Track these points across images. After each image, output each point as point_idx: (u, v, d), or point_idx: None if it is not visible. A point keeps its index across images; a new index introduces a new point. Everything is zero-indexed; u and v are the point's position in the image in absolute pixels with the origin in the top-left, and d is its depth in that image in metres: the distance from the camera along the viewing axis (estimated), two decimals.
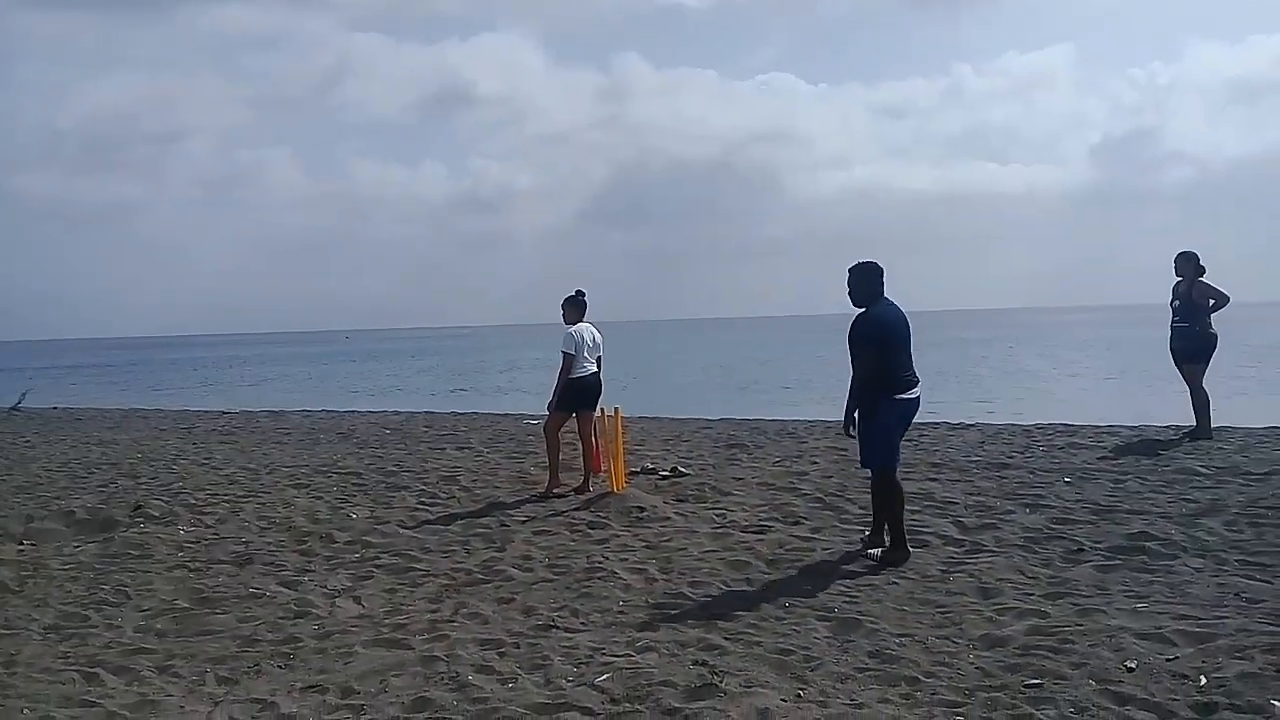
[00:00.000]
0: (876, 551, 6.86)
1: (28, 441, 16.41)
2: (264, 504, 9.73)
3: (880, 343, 6.65)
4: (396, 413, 20.51)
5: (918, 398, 6.84)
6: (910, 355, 6.81)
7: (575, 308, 9.72)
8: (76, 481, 11.55)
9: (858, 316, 6.79)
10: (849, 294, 6.87)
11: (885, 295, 6.85)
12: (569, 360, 9.51)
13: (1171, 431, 11.96)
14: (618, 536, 7.85)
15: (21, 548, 8.22)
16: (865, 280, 6.83)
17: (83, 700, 4.90)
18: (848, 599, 5.93)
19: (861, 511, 8.29)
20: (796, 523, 8.04)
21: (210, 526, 8.84)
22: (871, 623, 5.46)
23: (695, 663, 4.93)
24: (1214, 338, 11.38)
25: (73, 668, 5.35)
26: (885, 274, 6.86)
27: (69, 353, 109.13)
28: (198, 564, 7.55)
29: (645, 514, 8.51)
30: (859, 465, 7.27)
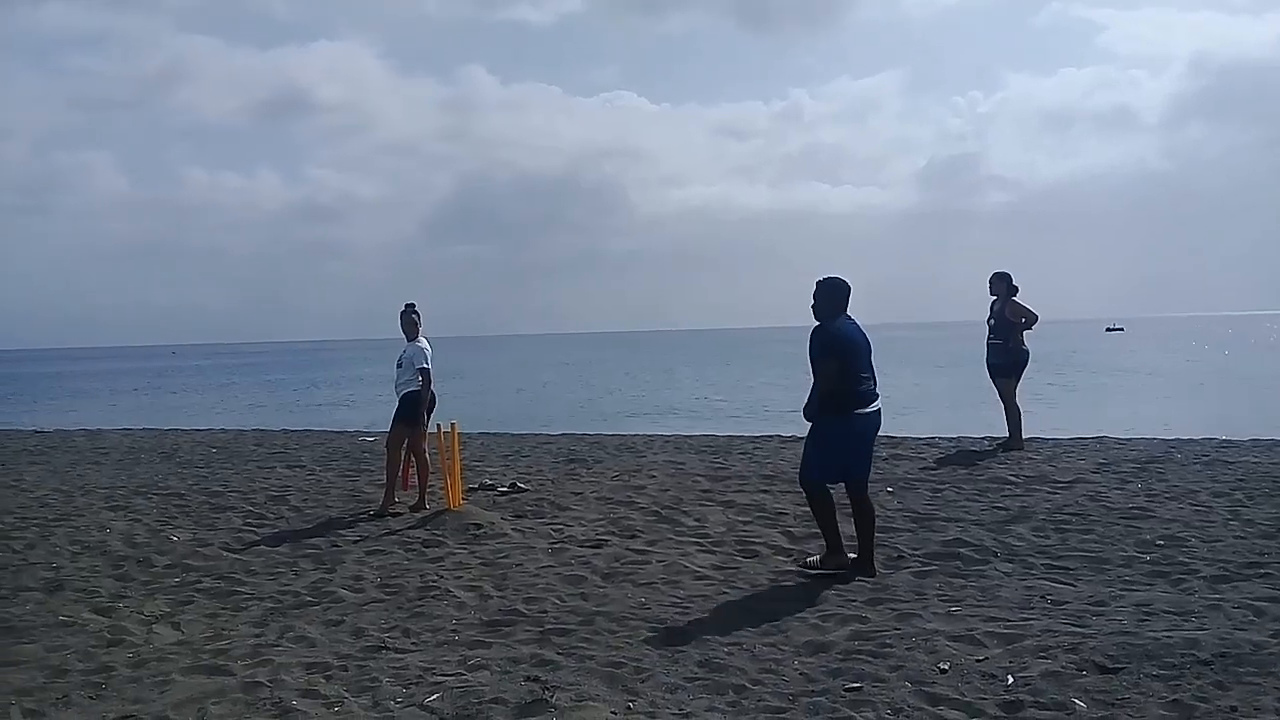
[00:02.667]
0: (816, 558, 6.91)
1: None
2: (78, 527, 9.23)
3: (837, 356, 6.63)
4: (224, 430, 19.77)
5: (878, 410, 6.79)
6: (870, 370, 6.80)
7: (416, 319, 9.62)
8: None
9: (814, 330, 6.74)
10: (813, 307, 6.81)
11: (847, 313, 6.80)
12: (429, 375, 9.45)
13: (986, 443, 12.61)
14: (453, 554, 7.77)
15: None
16: (830, 296, 6.78)
17: None
18: (680, 610, 6.02)
19: (696, 524, 8.45)
20: (633, 536, 8.13)
21: (18, 552, 8.32)
22: (702, 633, 5.56)
23: (527, 679, 4.92)
24: (1026, 354, 12.07)
25: None
26: (851, 291, 6.82)
27: None
28: (3, 592, 7.09)
29: (482, 531, 8.45)
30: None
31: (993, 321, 12.05)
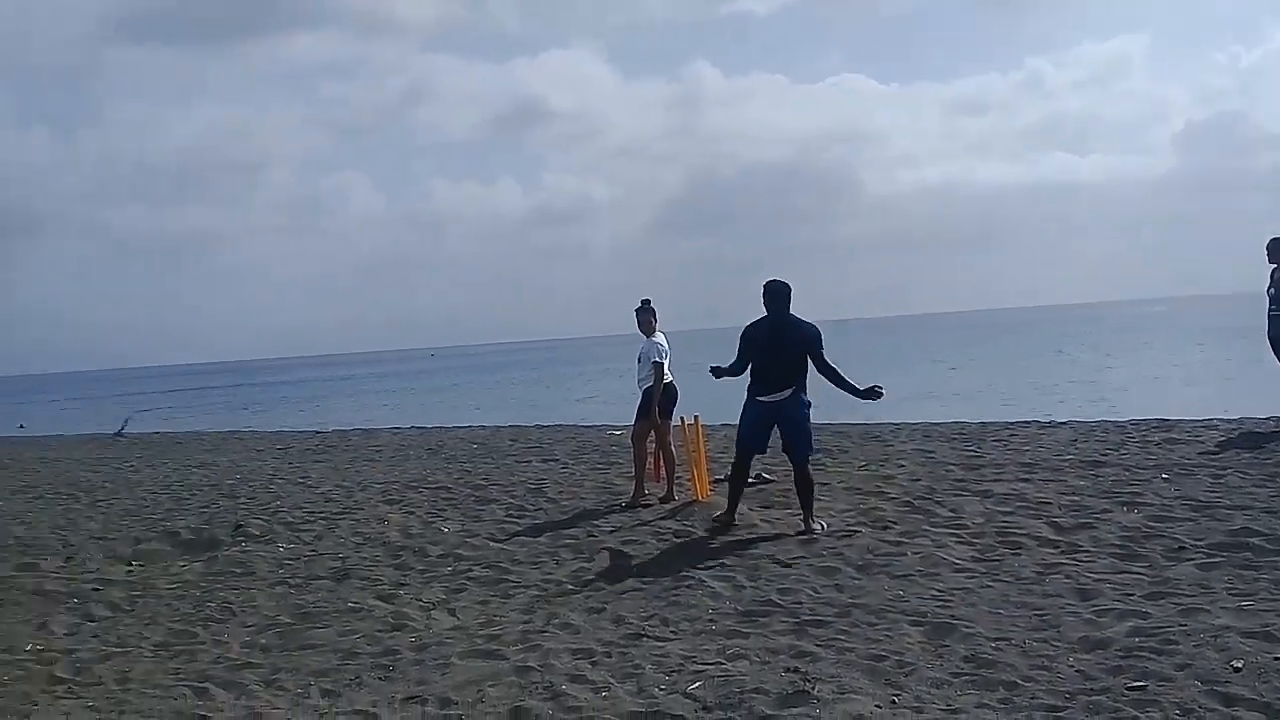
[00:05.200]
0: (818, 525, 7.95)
1: (132, 466, 17.01)
2: (359, 520, 9.93)
3: (750, 339, 8.02)
4: (483, 427, 20.76)
5: (775, 403, 7.94)
6: (775, 364, 7.88)
7: (652, 316, 9.81)
8: (180, 503, 11.92)
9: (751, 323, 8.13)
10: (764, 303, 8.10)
11: (776, 309, 7.96)
12: (661, 369, 9.60)
13: (1272, 423, 11.56)
14: (704, 544, 7.86)
15: (131, 568, 8.54)
16: (765, 295, 8.05)
17: (194, 715, 5.09)
18: (941, 603, 5.86)
19: (951, 514, 8.18)
20: (885, 527, 7.95)
21: (308, 543, 9.05)
22: (966, 627, 5.39)
23: (787, 670, 4.93)
24: None
25: (183, 683, 5.56)
26: (782, 292, 7.98)
27: (166, 379, 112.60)
28: (298, 580, 7.76)
29: (731, 521, 8.50)
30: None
31: (1273, 291, 11.04)
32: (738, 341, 8.12)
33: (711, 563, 7.25)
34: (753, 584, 6.61)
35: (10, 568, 8.73)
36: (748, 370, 8.11)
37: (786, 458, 8.41)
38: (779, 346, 7.93)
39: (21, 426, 35.26)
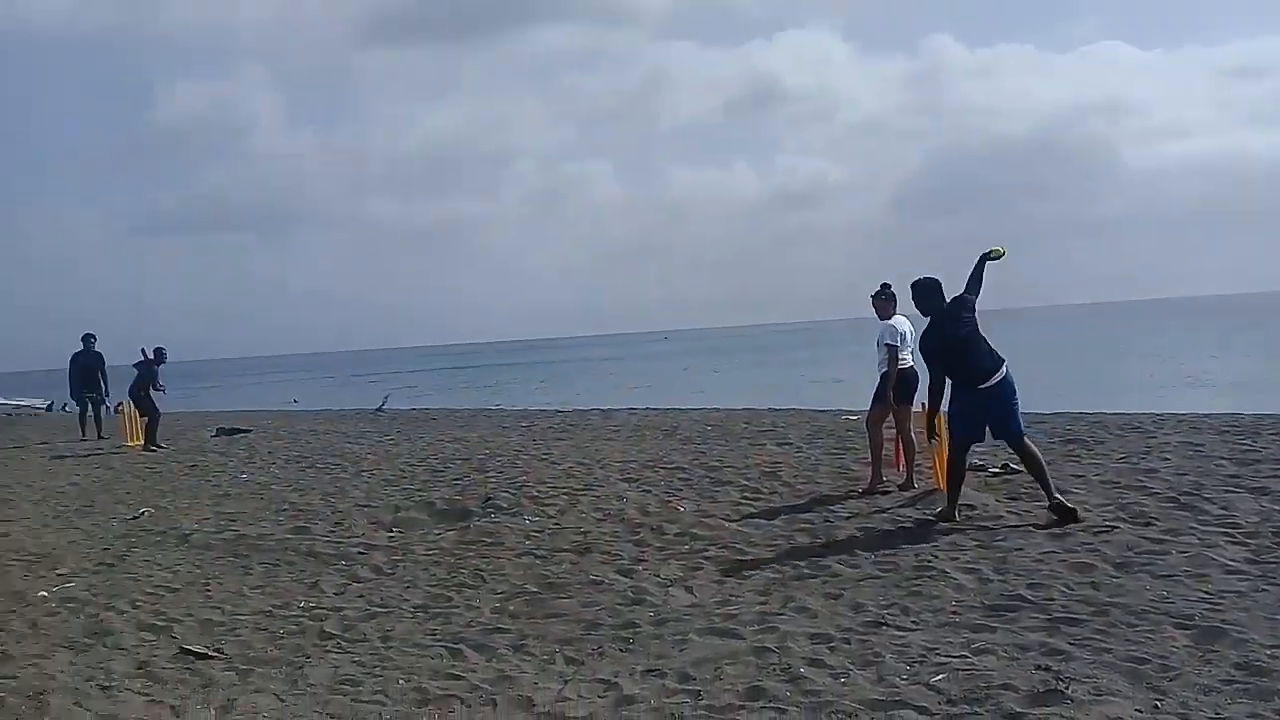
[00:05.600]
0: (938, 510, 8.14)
1: (392, 439, 18.13)
2: (599, 497, 10.19)
3: (928, 353, 8.08)
4: (717, 409, 20.88)
5: (989, 388, 7.81)
6: (967, 355, 7.85)
7: (889, 301, 9.60)
8: (435, 475, 12.60)
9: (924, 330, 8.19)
10: (916, 306, 8.29)
11: (933, 307, 8.11)
12: (895, 353, 9.39)
13: None
14: (946, 534, 7.62)
15: (391, 534, 9.14)
16: (915, 296, 8.23)
17: (449, 674, 5.40)
18: (1209, 606, 5.45)
19: (1222, 512, 7.59)
20: (1147, 524, 7.46)
21: (552, 517, 9.38)
22: (1238, 632, 4.99)
23: (1038, 667, 4.72)
24: None
25: (439, 644, 5.91)
26: (932, 288, 8.16)
27: (421, 359, 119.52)
28: (543, 551, 8.07)
29: (975, 512, 8.20)
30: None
31: None
32: (922, 351, 8.25)
33: (955, 553, 7.02)
34: (1000, 577, 6.36)
35: (286, 530, 9.53)
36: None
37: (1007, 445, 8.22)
38: (950, 339, 7.94)
39: (295, 401, 38.37)
